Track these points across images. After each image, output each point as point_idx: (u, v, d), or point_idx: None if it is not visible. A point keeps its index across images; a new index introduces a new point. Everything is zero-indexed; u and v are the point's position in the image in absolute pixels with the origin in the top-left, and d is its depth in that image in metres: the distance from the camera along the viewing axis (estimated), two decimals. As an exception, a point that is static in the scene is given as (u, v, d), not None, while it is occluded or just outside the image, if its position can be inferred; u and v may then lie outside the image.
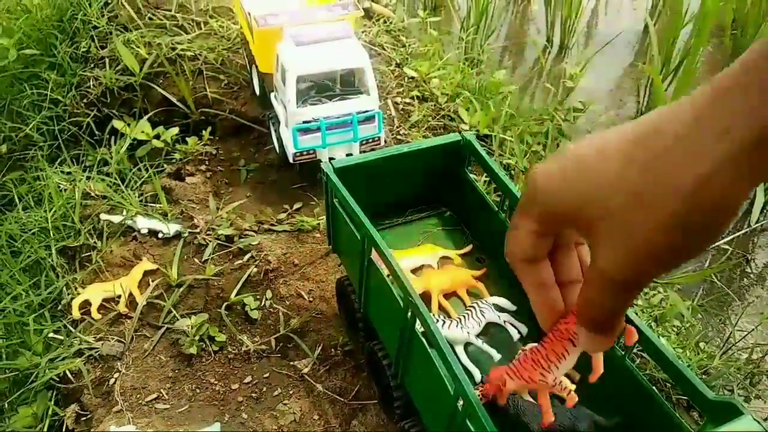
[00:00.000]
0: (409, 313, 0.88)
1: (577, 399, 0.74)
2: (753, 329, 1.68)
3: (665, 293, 1.64)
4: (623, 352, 0.90)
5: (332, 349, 1.25)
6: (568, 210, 0.38)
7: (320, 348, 1.25)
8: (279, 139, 1.62)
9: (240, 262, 1.43)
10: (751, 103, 0.31)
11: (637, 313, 1.52)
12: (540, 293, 0.46)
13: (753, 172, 0.32)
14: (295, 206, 1.61)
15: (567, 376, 0.96)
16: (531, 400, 0.94)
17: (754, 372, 1.64)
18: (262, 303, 1.34)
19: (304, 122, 1.50)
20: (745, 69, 0.32)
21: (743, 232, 2.02)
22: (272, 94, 1.66)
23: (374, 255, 0.98)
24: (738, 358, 1.61)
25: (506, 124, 2.09)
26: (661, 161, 0.33)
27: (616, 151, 0.36)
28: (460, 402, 0.77)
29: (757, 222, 2.01)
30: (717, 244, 1.97)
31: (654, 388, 0.85)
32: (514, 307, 1.08)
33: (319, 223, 1.53)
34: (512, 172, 1.91)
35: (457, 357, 1.00)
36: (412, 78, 2.12)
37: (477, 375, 0.98)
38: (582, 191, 0.37)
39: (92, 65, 2.02)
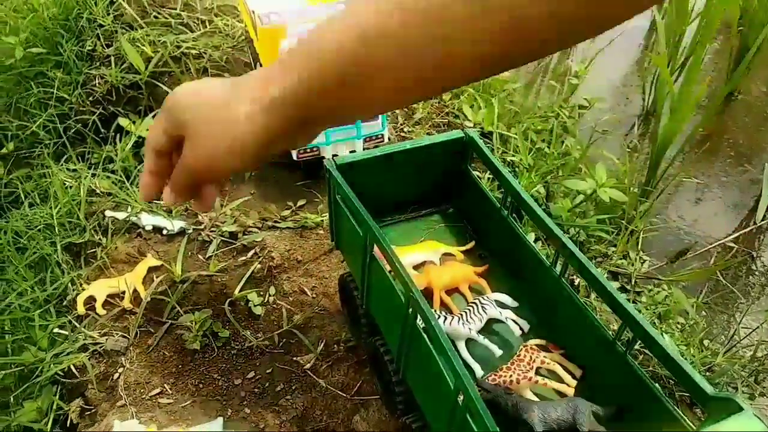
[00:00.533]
0: (410, 309, 0.88)
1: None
2: (758, 327, 1.67)
3: (669, 290, 1.63)
4: (625, 349, 0.90)
5: (335, 345, 1.25)
6: (180, 117, 0.53)
7: (323, 344, 1.25)
8: (283, 136, 1.62)
9: (244, 258, 1.43)
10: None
11: (640, 310, 1.53)
12: (149, 176, 0.58)
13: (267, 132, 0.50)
14: (299, 203, 1.62)
15: (568, 371, 0.96)
16: (532, 397, 0.94)
17: (759, 369, 1.64)
18: (266, 299, 1.35)
19: (307, 119, 1.50)
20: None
21: (749, 229, 2.01)
22: (276, 92, 1.66)
23: (376, 251, 0.98)
24: (742, 356, 1.61)
25: (510, 122, 2.09)
26: (232, 99, 0.50)
27: (220, 85, 0.52)
28: (461, 397, 0.77)
29: (763, 219, 2.00)
30: (722, 241, 1.96)
31: (657, 385, 0.85)
32: (516, 304, 1.08)
33: (322, 220, 1.54)
34: (516, 169, 1.91)
35: (458, 352, 1.00)
36: (416, 75, 2.12)
37: (478, 370, 0.98)
38: (191, 105, 0.53)
39: (98, 63, 2.03)
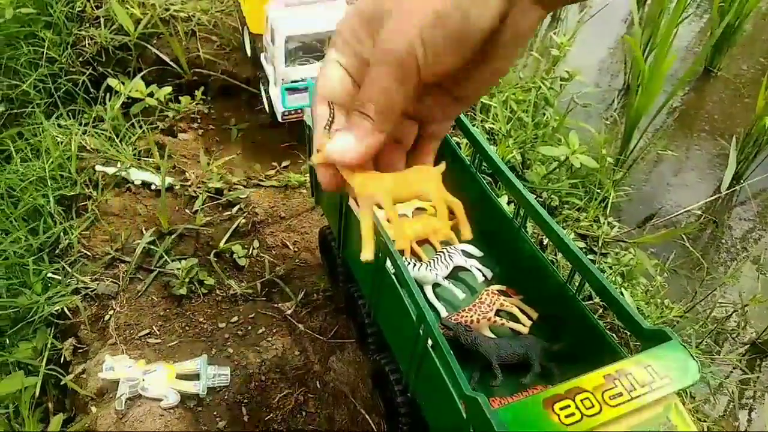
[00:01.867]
0: (381, 254, 0.96)
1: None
2: (715, 289, 1.77)
3: (635, 254, 1.72)
4: (574, 292, 0.98)
5: (314, 294, 1.33)
6: (370, 12, 0.43)
7: (303, 293, 1.33)
8: (268, 98, 1.68)
9: (229, 213, 1.50)
10: None
11: (604, 270, 1.62)
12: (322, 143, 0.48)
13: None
14: (283, 164, 1.68)
15: (525, 314, 1.05)
16: (490, 335, 1.02)
17: (718, 330, 1.74)
18: (250, 251, 1.42)
19: (292, 82, 1.56)
20: None
21: (714, 197, 2.10)
22: (262, 55, 1.71)
23: (351, 203, 1.05)
24: (702, 318, 1.71)
25: (492, 92, 2.15)
26: None
27: None
28: (422, 330, 0.85)
29: (728, 189, 2.09)
30: (689, 208, 2.05)
31: (600, 323, 0.94)
32: (480, 253, 1.16)
33: (305, 180, 1.60)
34: (495, 137, 1.98)
35: (425, 295, 1.09)
36: (402, 44, 2.16)
37: (443, 311, 1.06)
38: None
39: (87, 24, 2.06)
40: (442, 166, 0.65)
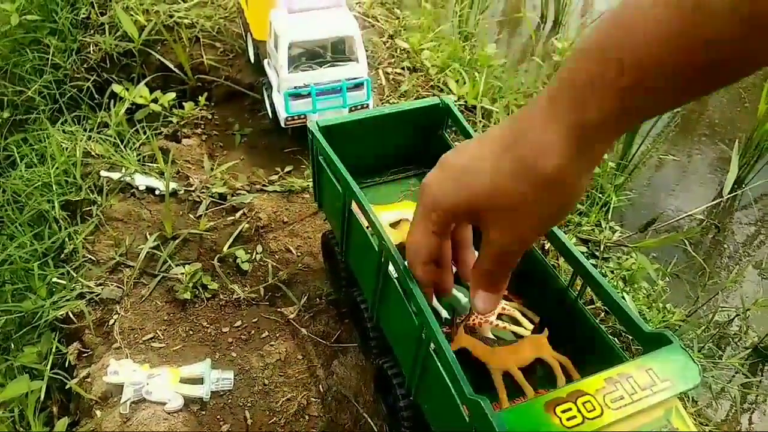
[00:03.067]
0: (383, 258, 0.97)
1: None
2: (717, 293, 1.77)
3: (636, 258, 1.73)
4: (575, 296, 0.98)
5: (317, 299, 1.34)
6: (461, 207, 0.50)
7: (306, 297, 1.34)
8: (272, 104, 1.69)
9: (232, 218, 1.51)
10: (569, 106, 0.43)
11: (606, 275, 1.62)
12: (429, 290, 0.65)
13: (587, 159, 0.44)
14: (286, 169, 1.69)
15: (527, 317, 1.06)
16: (491, 337, 1.03)
17: (720, 335, 1.74)
18: (253, 256, 1.43)
19: (295, 88, 1.57)
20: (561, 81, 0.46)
21: (716, 202, 2.10)
22: (265, 61, 1.73)
23: (354, 207, 1.06)
24: (704, 322, 1.71)
25: (494, 96, 2.16)
26: (524, 152, 0.44)
27: (489, 153, 0.47)
28: (425, 333, 0.86)
29: (729, 193, 2.09)
30: (690, 213, 2.05)
31: (602, 327, 0.94)
32: (483, 258, 1.17)
33: (308, 185, 1.61)
34: (497, 142, 1.99)
35: (427, 299, 1.09)
36: (404, 49, 2.18)
37: (444, 314, 1.07)
38: (470, 191, 0.48)
39: (92, 31, 2.08)
40: (546, 332, 0.97)
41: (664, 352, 0.79)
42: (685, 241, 1.92)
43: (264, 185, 1.62)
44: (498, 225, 0.48)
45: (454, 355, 0.81)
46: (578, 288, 0.99)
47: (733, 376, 1.65)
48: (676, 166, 2.29)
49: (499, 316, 1.05)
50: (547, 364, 0.96)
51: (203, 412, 1.11)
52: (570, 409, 0.70)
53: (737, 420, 1.56)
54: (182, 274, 1.33)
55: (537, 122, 0.43)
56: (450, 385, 0.80)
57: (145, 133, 1.72)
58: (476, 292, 0.57)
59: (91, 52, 2.02)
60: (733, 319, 1.76)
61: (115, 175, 1.53)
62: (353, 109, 1.65)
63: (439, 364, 0.84)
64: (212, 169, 1.62)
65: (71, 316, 1.28)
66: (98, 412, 1.12)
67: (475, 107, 2.05)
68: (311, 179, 1.63)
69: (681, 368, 0.76)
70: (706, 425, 1.41)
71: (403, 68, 2.08)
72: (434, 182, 0.52)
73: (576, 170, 0.43)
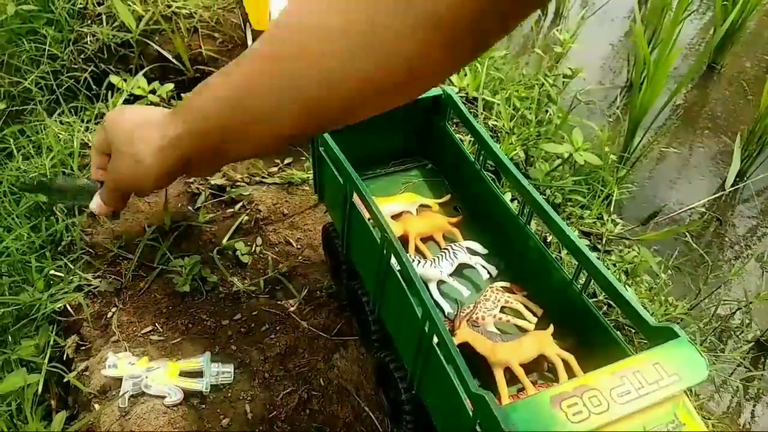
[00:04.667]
0: (386, 250, 0.95)
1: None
2: (719, 287, 1.77)
3: (639, 251, 1.72)
4: (579, 289, 0.97)
5: (317, 292, 1.33)
6: (108, 137, 0.67)
7: (306, 290, 1.32)
8: (271, 95, 1.67)
9: (231, 210, 1.49)
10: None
11: (608, 267, 1.61)
12: (96, 171, 0.76)
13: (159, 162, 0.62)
14: (286, 161, 1.68)
15: (530, 310, 1.04)
16: (494, 331, 1.02)
17: (722, 328, 1.74)
18: (253, 249, 1.41)
19: (294, 78, 1.55)
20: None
21: (718, 195, 2.09)
22: (265, 51, 1.70)
23: (356, 199, 1.05)
24: (706, 315, 1.70)
25: (496, 89, 2.14)
26: (138, 138, 0.62)
27: (137, 120, 0.64)
28: (427, 326, 0.85)
29: (732, 186, 2.08)
30: (693, 206, 2.04)
31: (606, 320, 0.93)
32: (485, 251, 1.16)
33: (308, 177, 1.60)
34: (499, 134, 1.97)
35: (429, 292, 1.08)
36: (404, 40, 2.16)
37: (447, 308, 1.06)
38: (116, 132, 0.65)
39: (89, 21, 2.05)
40: (551, 328, 0.97)
41: (671, 345, 0.78)
42: (687, 234, 1.91)
43: (264, 177, 1.60)
44: (117, 155, 0.65)
45: (457, 349, 0.80)
46: (582, 281, 0.98)
47: (735, 369, 1.65)
48: (678, 159, 2.27)
49: (503, 309, 1.04)
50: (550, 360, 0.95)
51: (203, 406, 1.10)
52: (576, 404, 0.69)
53: (739, 413, 1.55)
54: (181, 266, 1.31)
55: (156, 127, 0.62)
56: (453, 379, 0.79)
57: (143, 124, 1.70)
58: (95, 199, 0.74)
59: (89, 42, 1.99)
60: (735, 312, 1.75)
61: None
62: (354, 100, 1.63)
63: (442, 357, 0.83)
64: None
65: (69, 308, 1.26)
66: (97, 406, 1.10)
67: (476, 99, 2.03)
68: (311, 171, 1.61)
69: (688, 362, 0.75)
70: (709, 419, 1.40)
71: (403, 59, 2.06)
72: (114, 114, 0.68)
73: (150, 163, 0.62)
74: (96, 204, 0.74)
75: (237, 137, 0.55)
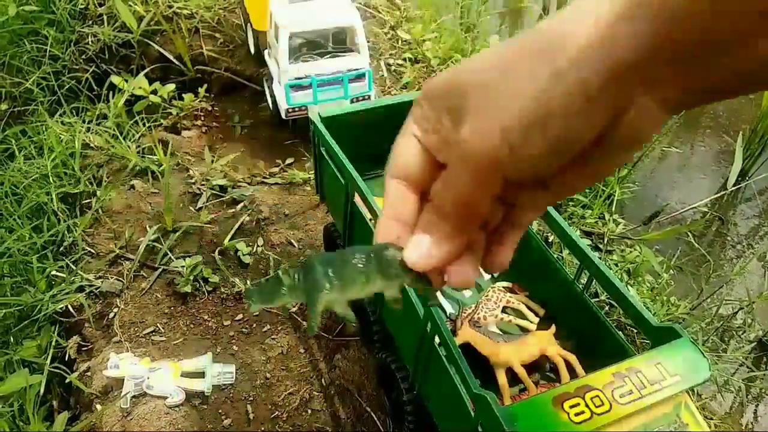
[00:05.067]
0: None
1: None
2: (721, 286, 1.76)
3: (640, 250, 1.71)
4: (581, 289, 0.97)
5: (319, 292, 1.32)
6: (439, 87, 0.36)
7: (307, 290, 1.32)
8: (272, 95, 1.67)
9: (233, 210, 1.49)
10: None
11: (611, 267, 1.61)
12: (390, 223, 0.40)
13: (608, 96, 0.32)
14: (287, 161, 1.68)
15: (532, 310, 1.04)
16: (497, 332, 1.02)
17: (724, 328, 1.73)
18: (254, 249, 1.41)
19: (296, 79, 1.55)
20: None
21: (720, 194, 2.09)
22: (266, 52, 1.71)
23: (357, 199, 1.05)
24: (708, 315, 1.70)
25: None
26: (545, 39, 0.32)
27: (503, 46, 0.35)
28: (429, 326, 0.85)
29: (733, 185, 2.08)
30: (694, 205, 2.04)
31: (608, 320, 0.93)
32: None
33: (309, 177, 1.60)
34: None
35: (431, 292, 1.08)
36: (406, 40, 2.16)
37: (449, 308, 1.06)
38: (476, 69, 0.35)
39: (90, 22, 2.06)
40: (553, 328, 0.97)
41: (673, 346, 0.78)
42: (689, 233, 1.90)
43: (265, 177, 1.60)
44: (477, 112, 0.34)
45: (459, 350, 0.80)
46: (584, 281, 0.97)
47: (737, 369, 1.64)
48: (680, 158, 2.27)
49: (504, 309, 1.04)
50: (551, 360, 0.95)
51: (204, 407, 1.10)
52: (578, 404, 0.69)
53: (741, 413, 1.55)
54: (183, 267, 1.31)
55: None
56: (455, 379, 0.79)
57: (144, 124, 1.71)
58: (418, 233, 0.39)
59: (90, 43, 2.00)
60: (737, 312, 1.75)
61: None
62: (355, 100, 1.63)
63: (443, 358, 0.83)
64: (213, 161, 1.61)
65: (71, 309, 1.26)
66: (99, 407, 1.10)
67: (477, 99, 2.03)
68: (313, 171, 1.61)
69: (690, 363, 0.75)
70: (711, 418, 1.40)
71: (404, 59, 2.06)
72: (448, 73, 0.37)
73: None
74: (422, 249, 0.38)
75: None
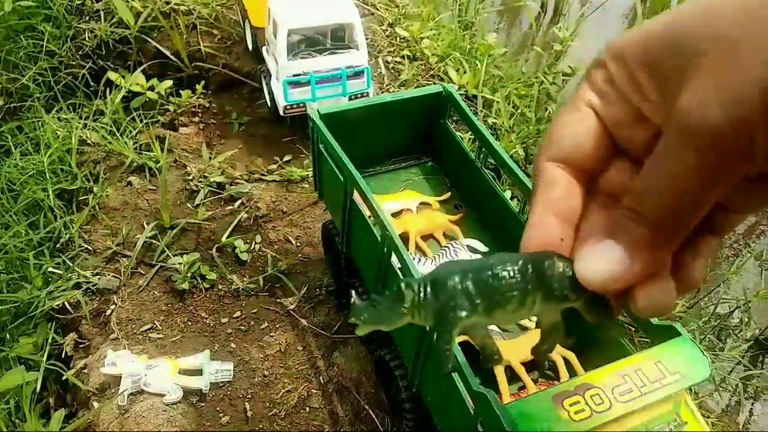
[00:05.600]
0: (386, 248, 0.95)
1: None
2: (719, 285, 1.76)
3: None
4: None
5: (317, 289, 1.32)
6: (653, 44, 0.27)
7: (306, 288, 1.32)
8: (270, 92, 1.66)
9: (231, 208, 1.49)
10: None
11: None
12: (548, 219, 0.31)
13: None
14: (285, 158, 1.67)
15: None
16: (498, 332, 1.01)
17: (721, 326, 1.73)
18: (252, 246, 1.41)
19: (294, 75, 1.54)
20: None
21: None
22: (264, 48, 1.70)
23: (356, 196, 1.04)
24: (705, 313, 1.70)
25: (495, 86, 2.14)
26: None
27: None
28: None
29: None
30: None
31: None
32: (486, 249, 1.15)
33: (308, 174, 1.59)
34: (498, 132, 1.97)
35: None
36: (404, 38, 2.15)
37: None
38: (687, 21, 0.26)
39: (87, 18, 2.05)
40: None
41: (673, 344, 0.78)
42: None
43: (263, 174, 1.60)
44: (708, 78, 0.24)
45: (458, 347, 0.80)
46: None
47: (734, 368, 1.65)
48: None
49: (503, 308, 1.04)
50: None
51: (202, 404, 1.10)
52: (578, 402, 0.69)
53: (738, 411, 1.55)
54: (180, 264, 1.31)
55: None
56: (454, 377, 0.79)
57: (141, 121, 1.70)
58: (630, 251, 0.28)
59: (87, 38, 1.98)
60: (734, 310, 1.75)
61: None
62: (353, 97, 1.63)
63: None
64: (210, 158, 1.60)
65: (67, 306, 1.26)
66: (95, 404, 1.10)
67: (475, 97, 2.02)
68: (311, 168, 1.61)
69: (690, 361, 0.75)
70: (708, 417, 1.40)
71: (403, 57, 2.05)
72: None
73: None
74: (610, 263, 0.29)
75: None
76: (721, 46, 0.24)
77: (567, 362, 0.94)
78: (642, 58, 0.27)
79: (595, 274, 0.28)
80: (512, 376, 0.94)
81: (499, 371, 0.93)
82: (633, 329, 1.41)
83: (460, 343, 0.85)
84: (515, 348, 0.93)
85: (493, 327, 1.01)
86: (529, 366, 0.94)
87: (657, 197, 0.26)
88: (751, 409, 1.58)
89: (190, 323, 1.24)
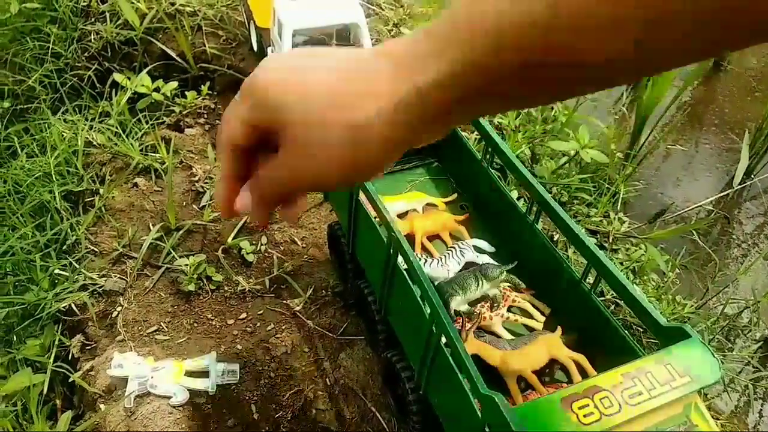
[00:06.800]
0: (392, 249, 0.95)
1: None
2: (728, 285, 1.75)
3: (646, 249, 1.70)
4: (589, 288, 0.96)
5: (323, 291, 1.32)
6: (277, 115, 0.39)
7: (312, 289, 1.32)
8: (275, 93, 1.66)
9: (236, 209, 1.49)
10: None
11: (616, 266, 1.60)
12: (228, 181, 0.45)
13: (406, 127, 0.37)
14: (291, 159, 1.67)
15: (537, 309, 1.03)
16: (504, 332, 1.01)
17: (730, 327, 1.72)
18: (258, 247, 1.41)
19: (299, 76, 1.54)
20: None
21: (726, 193, 2.07)
22: (269, 49, 1.70)
23: (362, 197, 1.04)
24: (714, 314, 1.69)
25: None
26: (354, 92, 0.37)
27: (330, 70, 0.38)
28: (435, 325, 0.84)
29: (739, 184, 2.07)
30: (700, 204, 2.03)
31: (616, 320, 0.92)
32: (492, 249, 1.15)
33: (313, 175, 1.59)
34: (504, 132, 1.96)
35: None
36: (409, 38, 2.15)
37: (456, 307, 1.05)
38: (293, 101, 0.38)
39: (93, 19, 2.05)
40: (559, 330, 0.97)
41: (683, 346, 0.77)
42: (694, 232, 1.89)
43: (268, 175, 1.60)
44: (284, 153, 0.40)
45: (466, 349, 0.79)
46: (592, 279, 0.97)
47: (743, 369, 1.63)
48: (685, 156, 2.26)
49: (510, 309, 1.03)
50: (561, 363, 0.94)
51: (209, 406, 1.10)
52: (587, 405, 0.68)
53: (747, 412, 1.54)
54: (186, 265, 1.31)
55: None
56: (462, 379, 0.78)
57: (147, 122, 1.70)
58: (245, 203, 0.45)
59: (92, 40, 1.99)
60: (743, 311, 1.74)
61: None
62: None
63: (450, 358, 0.82)
64: (216, 159, 1.60)
65: (74, 308, 1.26)
66: (102, 406, 1.10)
67: (481, 96, 2.01)
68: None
69: (701, 363, 0.74)
70: (717, 418, 1.39)
71: (408, 57, 2.05)
72: (273, 73, 0.41)
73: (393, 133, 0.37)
74: (246, 205, 0.46)
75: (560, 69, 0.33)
76: (302, 133, 0.39)
77: (578, 365, 0.93)
78: (265, 114, 0.40)
79: (238, 203, 0.45)
80: (526, 387, 0.93)
81: (512, 382, 0.93)
82: (642, 331, 1.40)
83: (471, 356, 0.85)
84: (525, 357, 0.92)
85: (500, 329, 1.00)
86: (539, 374, 0.93)
87: (264, 196, 0.44)
88: (761, 410, 1.57)
89: (196, 325, 1.24)
